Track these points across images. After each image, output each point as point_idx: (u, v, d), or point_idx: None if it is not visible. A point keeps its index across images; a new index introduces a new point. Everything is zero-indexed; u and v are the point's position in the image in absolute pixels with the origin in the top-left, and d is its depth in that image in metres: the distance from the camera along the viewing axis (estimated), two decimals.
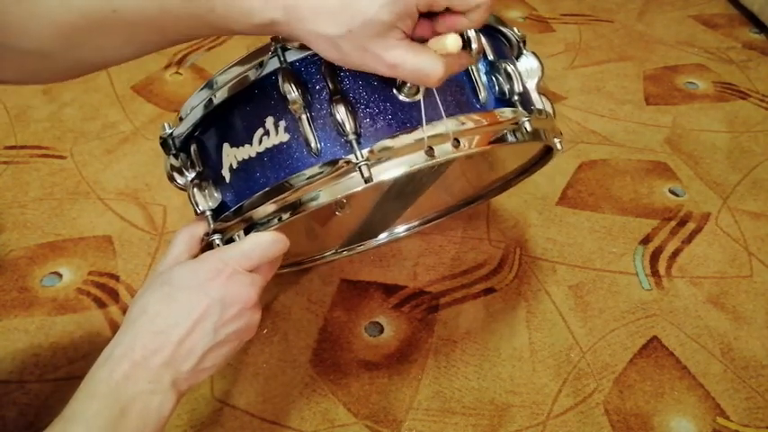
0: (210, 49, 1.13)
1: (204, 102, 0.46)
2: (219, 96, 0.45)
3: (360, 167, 0.41)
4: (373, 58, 0.36)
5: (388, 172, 0.42)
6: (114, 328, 0.67)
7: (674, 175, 0.89)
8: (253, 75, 0.44)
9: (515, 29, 0.51)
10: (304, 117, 0.42)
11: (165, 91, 1.00)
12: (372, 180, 0.41)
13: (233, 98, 0.45)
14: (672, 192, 0.86)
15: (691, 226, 0.81)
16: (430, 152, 0.43)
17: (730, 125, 0.98)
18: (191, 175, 0.49)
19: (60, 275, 0.72)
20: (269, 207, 0.44)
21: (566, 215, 0.82)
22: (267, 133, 0.44)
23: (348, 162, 0.42)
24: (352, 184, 0.42)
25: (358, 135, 0.42)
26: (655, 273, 0.75)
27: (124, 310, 0.69)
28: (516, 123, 0.47)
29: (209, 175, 0.48)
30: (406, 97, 0.43)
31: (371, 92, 0.43)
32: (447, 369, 0.65)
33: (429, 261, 0.75)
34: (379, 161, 0.42)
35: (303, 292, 0.71)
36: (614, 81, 1.07)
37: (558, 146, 0.51)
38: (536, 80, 0.51)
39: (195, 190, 0.47)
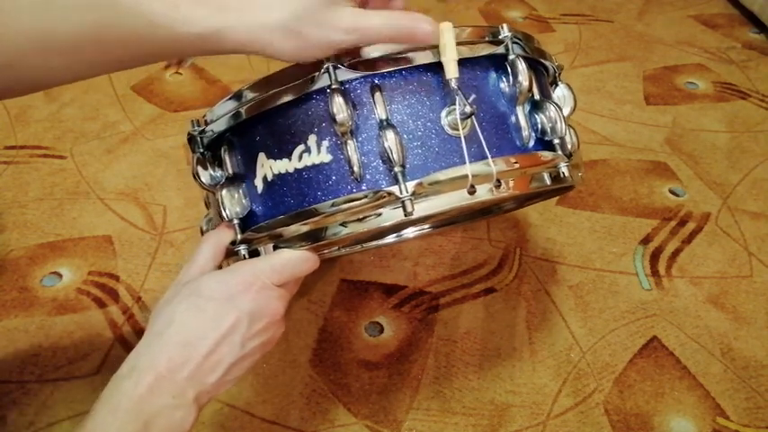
0: None
1: (244, 106, 0.44)
2: (262, 104, 0.43)
3: (404, 202, 0.40)
4: (332, 29, 0.35)
5: (429, 208, 0.41)
6: (114, 327, 0.67)
7: (674, 175, 0.89)
8: (302, 88, 0.42)
9: (554, 58, 0.50)
10: (351, 140, 0.41)
11: (165, 91, 1.00)
12: (413, 215, 0.40)
13: (276, 109, 0.43)
14: (672, 192, 0.86)
15: (691, 226, 0.81)
16: (472, 191, 0.42)
17: (730, 125, 0.98)
18: (216, 174, 0.47)
19: (60, 275, 0.72)
20: (302, 227, 0.43)
21: (566, 215, 0.82)
22: (308, 150, 0.42)
23: (390, 194, 0.41)
24: (392, 216, 0.41)
25: (403, 167, 0.41)
26: (655, 273, 0.75)
27: (124, 311, 0.69)
28: (554, 167, 0.46)
29: (240, 181, 0.46)
30: (453, 130, 0.42)
31: (420, 124, 0.42)
32: (447, 369, 0.65)
33: (429, 261, 0.75)
34: (420, 196, 0.41)
35: (303, 292, 0.71)
36: (614, 81, 1.07)
37: (580, 180, 0.50)
38: (567, 112, 0.50)
39: (224, 195, 0.46)
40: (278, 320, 0.44)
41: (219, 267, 0.46)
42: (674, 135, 0.96)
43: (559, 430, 0.60)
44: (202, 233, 0.54)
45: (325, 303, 0.70)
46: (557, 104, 0.46)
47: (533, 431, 0.60)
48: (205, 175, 0.47)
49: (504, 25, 0.45)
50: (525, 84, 0.43)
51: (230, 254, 0.47)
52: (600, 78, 1.08)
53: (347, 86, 0.41)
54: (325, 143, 0.42)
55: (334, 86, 0.40)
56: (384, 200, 0.41)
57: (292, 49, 0.36)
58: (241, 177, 0.46)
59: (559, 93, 0.51)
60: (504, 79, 0.45)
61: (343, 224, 0.43)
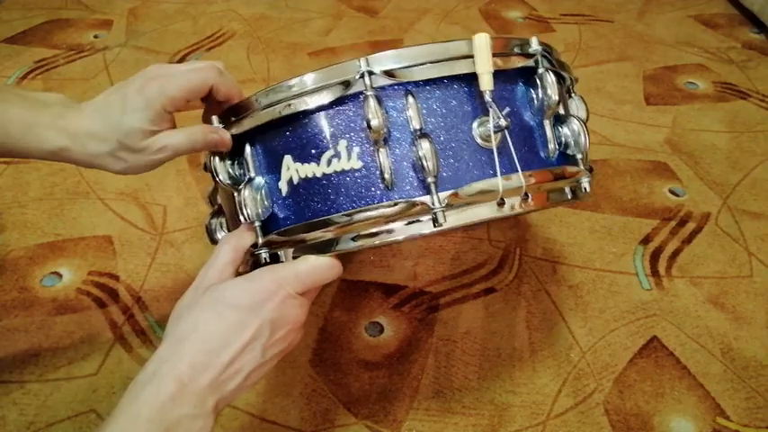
0: (210, 49, 1.13)
1: (273, 106, 0.43)
2: (292, 106, 0.42)
3: (436, 213, 0.40)
4: (146, 154, 0.45)
5: (459, 220, 0.41)
6: (114, 328, 0.67)
7: (673, 175, 0.89)
8: (336, 92, 0.41)
9: (571, 69, 0.50)
10: (383, 147, 0.41)
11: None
12: (442, 226, 0.40)
13: (307, 111, 0.42)
14: (672, 192, 0.86)
15: (691, 226, 0.81)
16: (501, 204, 0.42)
17: (730, 125, 0.98)
18: (235, 173, 0.46)
19: (60, 275, 0.72)
20: (327, 234, 0.43)
21: (566, 215, 0.82)
22: (338, 156, 0.42)
23: (422, 203, 0.40)
24: (420, 227, 0.41)
25: (436, 177, 0.40)
26: (655, 273, 0.75)
27: (124, 310, 0.69)
28: (577, 182, 0.46)
29: (263, 183, 0.45)
30: (484, 142, 0.42)
31: (452, 134, 0.42)
32: (447, 369, 0.65)
33: (429, 261, 0.75)
34: (452, 207, 0.41)
35: None
36: (614, 81, 1.07)
37: (586, 189, 0.49)
38: None
39: (247, 196, 0.44)
40: (298, 328, 0.44)
41: (239, 271, 0.46)
42: (674, 135, 0.96)
43: (559, 430, 0.60)
44: (208, 232, 0.53)
45: (325, 303, 0.70)
46: (580, 119, 0.46)
47: (533, 431, 0.60)
48: (223, 173, 0.46)
49: (534, 38, 0.45)
50: (555, 97, 0.43)
51: (249, 256, 0.46)
52: (600, 78, 1.08)
53: (381, 93, 0.41)
54: (356, 149, 0.42)
55: (368, 93, 0.40)
56: (416, 209, 0.40)
57: (121, 168, 0.46)
58: (265, 179, 0.45)
59: (572, 105, 0.51)
60: (532, 92, 0.45)
61: (366, 235, 0.42)
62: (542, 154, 0.45)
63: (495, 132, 0.42)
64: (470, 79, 0.42)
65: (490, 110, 0.41)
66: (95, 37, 1.15)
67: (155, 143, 0.44)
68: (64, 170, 0.86)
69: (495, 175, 0.41)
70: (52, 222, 0.78)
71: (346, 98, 0.41)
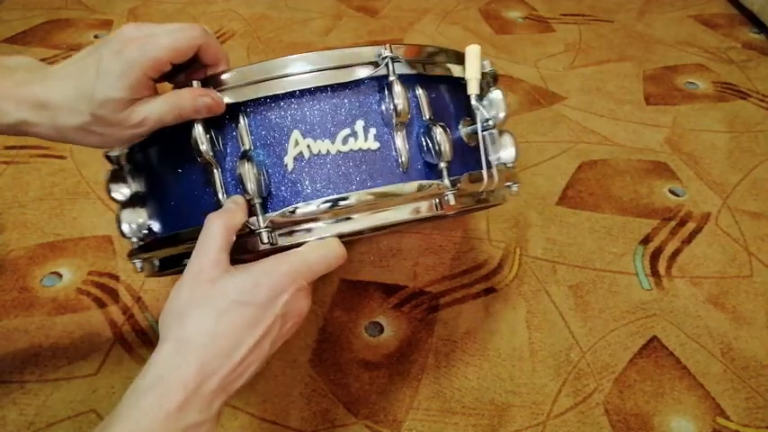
0: None
1: (288, 77, 0.41)
2: (312, 79, 0.41)
3: (447, 195, 0.43)
4: (124, 127, 0.39)
5: (461, 207, 0.44)
6: (114, 328, 0.67)
7: (673, 175, 0.89)
8: (359, 73, 0.42)
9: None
10: (401, 131, 0.43)
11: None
12: (442, 209, 0.43)
13: (324, 88, 0.42)
14: (672, 192, 0.86)
15: (691, 226, 0.81)
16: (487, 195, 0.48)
17: (730, 125, 0.98)
18: (219, 146, 0.42)
19: (60, 275, 0.72)
20: (340, 213, 0.42)
21: (566, 215, 0.82)
22: (354, 135, 0.42)
23: (435, 186, 0.43)
24: (426, 208, 0.43)
25: (449, 163, 0.43)
26: (655, 273, 0.75)
27: (124, 310, 0.69)
28: (514, 182, 0.54)
29: (262, 157, 0.42)
30: (468, 140, 0.48)
31: (449, 129, 0.45)
32: (447, 369, 0.65)
33: (429, 261, 0.75)
34: (462, 192, 0.45)
35: None
36: (614, 81, 1.07)
37: (515, 190, 0.54)
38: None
39: (247, 169, 0.40)
40: (303, 318, 0.42)
41: (235, 259, 0.43)
42: (674, 135, 0.96)
43: (559, 430, 0.60)
44: (119, 225, 0.48)
45: (325, 303, 0.70)
46: (512, 134, 0.52)
47: (533, 431, 0.60)
48: (206, 144, 0.41)
49: (487, 60, 0.51)
50: (502, 115, 0.49)
51: (248, 233, 0.42)
52: (600, 78, 1.08)
53: (400, 80, 0.43)
54: (373, 130, 0.43)
55: (392, 77, 0.42)
56: (430, 192, 0.43)
57: (95, 142, 0.41)
58: (265, 154, 0.42)
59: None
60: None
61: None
62: (492, 158, 0.51)
63: (482, 131, 0.47)
64: (455, 83, 0.48)
65: (477, 112, 0.47)
66: (95, 37, 1.15)
67: (133, 115, 0.39)
68: (64, 170, 0.86)
69: (480, 168, 0.47)
70: (52, 222, 0.78)
71: (368, 80, 0.43)
